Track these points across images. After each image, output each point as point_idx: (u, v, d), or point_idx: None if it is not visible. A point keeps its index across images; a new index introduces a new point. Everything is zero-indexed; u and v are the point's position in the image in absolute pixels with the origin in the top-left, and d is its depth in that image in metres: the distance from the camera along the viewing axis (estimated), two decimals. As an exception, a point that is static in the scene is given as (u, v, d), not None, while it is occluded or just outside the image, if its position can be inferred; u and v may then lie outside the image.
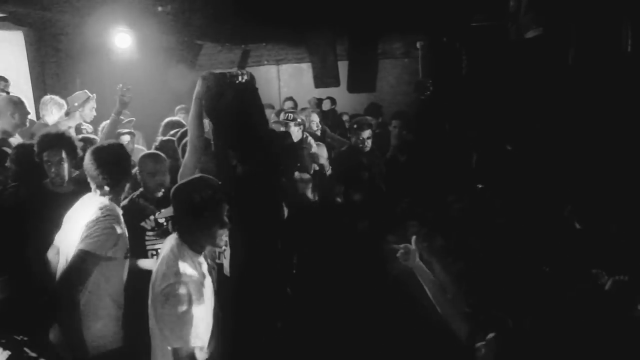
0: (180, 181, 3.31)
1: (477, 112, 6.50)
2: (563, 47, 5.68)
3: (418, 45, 9.88)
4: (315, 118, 6.79)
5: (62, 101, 6.01)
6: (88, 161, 3.33)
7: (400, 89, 10.74)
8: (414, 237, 3.21)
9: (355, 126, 5.70)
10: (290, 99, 9.14)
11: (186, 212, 2.90)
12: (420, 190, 4.80)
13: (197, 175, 3.14)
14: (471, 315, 2.90)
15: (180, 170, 3.72)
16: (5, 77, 6.16)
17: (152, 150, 4.53)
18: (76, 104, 5.78)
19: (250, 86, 3.62)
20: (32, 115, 6.45)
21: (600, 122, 5.15)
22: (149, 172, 4.01)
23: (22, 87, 6.76)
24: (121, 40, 7.30)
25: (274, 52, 11.74)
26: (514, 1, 6.25)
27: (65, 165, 3.94)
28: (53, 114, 5.97)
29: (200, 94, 3.45)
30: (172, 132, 5.29)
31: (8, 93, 5.86)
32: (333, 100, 9.72)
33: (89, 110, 5.81)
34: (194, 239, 2.93)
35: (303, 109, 7.50)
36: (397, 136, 6.29)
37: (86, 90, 5.91)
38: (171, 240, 2.98)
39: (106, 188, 3.35)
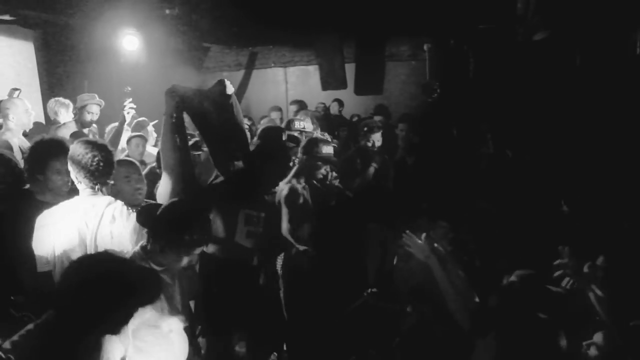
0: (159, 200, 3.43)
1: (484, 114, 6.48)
2: (571, 49, 5.66)
3: (425, 47, 9.86)
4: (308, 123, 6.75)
5: (67, 101, 6.06)
6: (82, 162, 3.22)
7: (408, 92, 10.69)
8: (423, 234, 3.25)
9: (365, 129, 5.70)
10: (296, 102, 9.02)
11: None
12: (430, 192, 4.82)
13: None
14: (477, 311, 2.96)
15: (158, 190, 3.81)
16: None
17: (124, 157, 4.39)
18: (75, 106, 5.84)
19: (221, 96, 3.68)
20: (40, 118, 6.50)
21: (608, 124, 5.12)
22: (124, 175, 3.77)
23: (31, 90, 6.79)
24: (129, 42, 7.31)
25: (281, 55, 11.73)
26: (521, 3, 6.23)
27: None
28: (62, 114, 6.02)
29: (169, 110, 3.47)
30: None
31: None
32: (341, 103, 9.71)
33: (88, 115, 5.81)
34: None
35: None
36: (404, 139, 6.28)
37: (95, 95, 5.94)
38: None
39: (110, 182, 3.37)
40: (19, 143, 5.03)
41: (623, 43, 5.15)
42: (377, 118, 7.71)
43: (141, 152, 5.79)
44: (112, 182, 3.45)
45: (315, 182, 4.62)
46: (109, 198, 3.33)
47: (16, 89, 5.82)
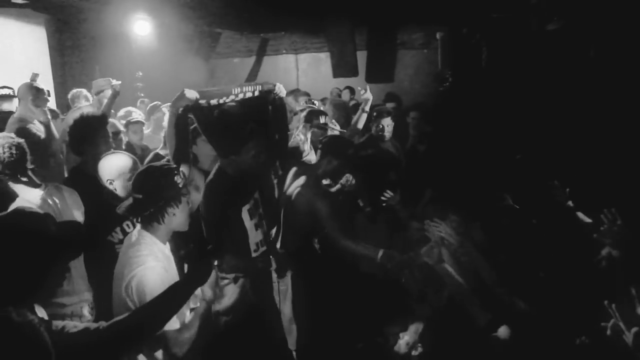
0: None
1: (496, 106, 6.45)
2: (585, 40, 5.60)
3: (438, 36, 9.81)
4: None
5: (89, 94, 6.13)
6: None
7: (419, 80, 10.67)
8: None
9: (375, 114, 5.62)
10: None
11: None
12: (442, 181, 4.79)
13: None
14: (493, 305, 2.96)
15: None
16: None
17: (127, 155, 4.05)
18: (93, 91, 5.86)
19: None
20: (52, 102, 6.53)
21: (622, 116, 5.08)
22: (128, 178, 3.39)
23: (42, 74, 6.83)
24: (140, 27, 7.32)
25: (293, 41, 11.70)
26: (535, -8, 6.19)
27: None
28: (84, 104, 6.08)
29: (176, 103, 3.31)
30: None
31: None
32: (352, 90, 9.69)
33: (105, 99, 5.75)
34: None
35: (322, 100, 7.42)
36: (415, 127, 6.25)
37: (110, 78, 5.92)
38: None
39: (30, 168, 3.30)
40: (35, 128, 5.09)
41: (638, 34, 5.09)
42: (389, 105, 7.68)
43: (140, 138, 5.85)
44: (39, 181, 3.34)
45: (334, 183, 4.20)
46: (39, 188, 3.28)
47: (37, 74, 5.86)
